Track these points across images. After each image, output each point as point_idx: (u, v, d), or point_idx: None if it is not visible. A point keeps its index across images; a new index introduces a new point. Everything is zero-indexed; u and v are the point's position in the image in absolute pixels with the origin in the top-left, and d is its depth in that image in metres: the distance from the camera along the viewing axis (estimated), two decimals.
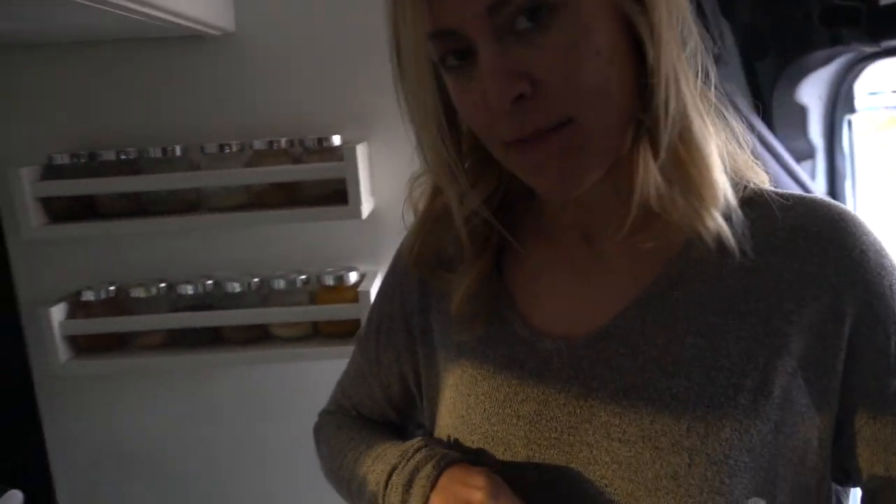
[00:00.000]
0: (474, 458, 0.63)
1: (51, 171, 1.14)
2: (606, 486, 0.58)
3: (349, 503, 0.74)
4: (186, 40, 1.14)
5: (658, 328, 0.59)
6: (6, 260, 1.22)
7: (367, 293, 1.13)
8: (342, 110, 1.14)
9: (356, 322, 1.14)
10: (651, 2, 0.53)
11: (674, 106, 0.54)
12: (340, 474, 0.74)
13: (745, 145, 0.62)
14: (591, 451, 0.58)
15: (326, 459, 0.78)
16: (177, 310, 1.18)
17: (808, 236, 0.58)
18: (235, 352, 1.17)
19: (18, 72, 1.17)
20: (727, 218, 0.56)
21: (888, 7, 1.74)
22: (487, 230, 0.65)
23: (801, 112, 2.31)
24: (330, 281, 1.16)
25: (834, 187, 2.35)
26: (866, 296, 0.57)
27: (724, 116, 0.62)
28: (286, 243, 1.21)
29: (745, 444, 0.56)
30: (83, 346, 1.20)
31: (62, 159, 1.14)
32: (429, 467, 0.61)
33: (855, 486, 0.63)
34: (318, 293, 1.17)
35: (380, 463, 0.66)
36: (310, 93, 1.16)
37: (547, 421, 0.60)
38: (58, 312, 1.16)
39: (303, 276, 1.17)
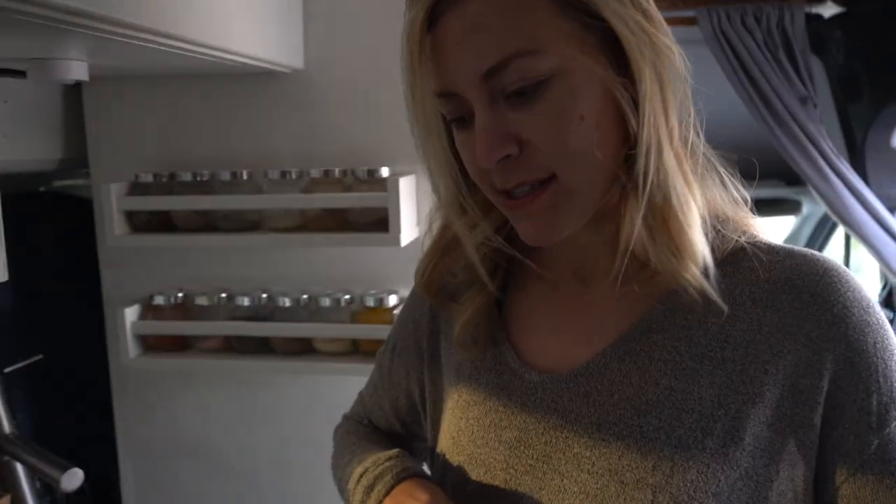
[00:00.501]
0: (457, 478, 0.69)
1: (136, 188, 1.29)
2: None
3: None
4: (259, 76, 1.27)
5: (635, 368, 0.62)
6: (96, 264, 1.38)
7: None
8: (393, 145, 1.23)
9: None
10: (638, 74, 0.57)
11: (653, 173, 0.58)
12: (337, 474, 0.82)
13: (739, 202, 0.66)
14: (562, 481, 0.62)
15: (332, 459, 0.86)
16: (234, 318, 1.30)
17: (792, 289, 0.60)
18: (282, 361, 1.28)
19: (112, 101, 1.33)
20: (706, 274, 0.60)
21: None
22: (497, 260, 0.71)
23: None
24: (371, 302, 1.24)
25: None
26: (847, 352, 0.58)
27: (719, 173, 0.66)
28: (334, 265, 1.31)
29: (711, 488, 0.58)
30: (151, 345, 1.33)
31: (146, 178, 1.28)
32: (389, 476, 0.68)
33: None
34: (359, 313, 1.26)
35: (358, 465, 0.73)
36: (365, 127, 1.26)
37: (525, 448, 0.65)
38: (131, 313, 1.30)
39: (347, 296, 1.26)
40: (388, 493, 0.67)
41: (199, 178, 1.27)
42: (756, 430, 0.58)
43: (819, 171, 2.11)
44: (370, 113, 1.26)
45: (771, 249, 0.63)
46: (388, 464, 0.70)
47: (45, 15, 0.67)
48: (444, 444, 0.72)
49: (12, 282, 1.42)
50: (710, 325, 0.61)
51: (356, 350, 1.28)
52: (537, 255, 0.72)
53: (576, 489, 0.61)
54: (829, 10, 2.21)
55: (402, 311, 0.84)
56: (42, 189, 1.50)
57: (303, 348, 1.29)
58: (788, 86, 2.13)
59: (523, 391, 0.67)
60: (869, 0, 2.13)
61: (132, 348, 1.30)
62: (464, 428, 0.69)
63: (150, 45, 0.87)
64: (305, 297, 1.28)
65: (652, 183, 0.58)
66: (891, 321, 2.05)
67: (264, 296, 1.29)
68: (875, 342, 0.59)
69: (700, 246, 0.60)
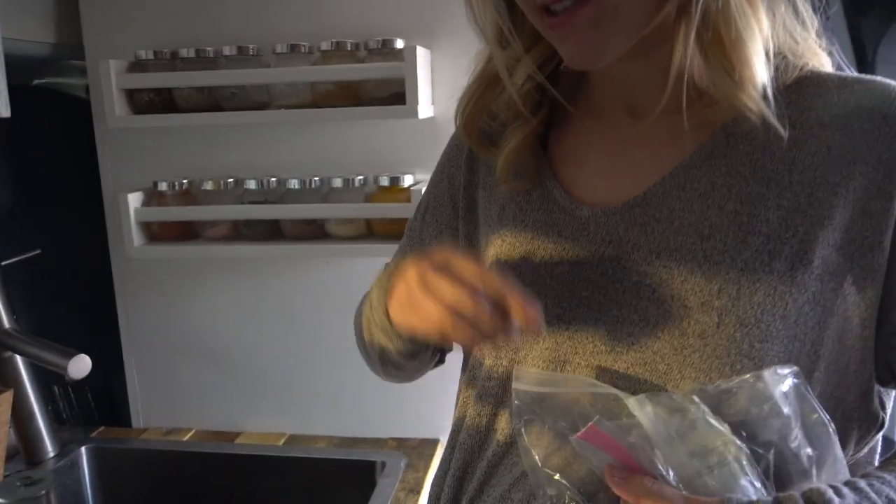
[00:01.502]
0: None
1: (136, 66, 1.23)
2: (633, 343, 0.59)
3: (364, 347, 0.78)
4: None
5: (696, 195, 0.59)
6: (93, 149, 1.32)
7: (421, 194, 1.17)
8: (408, 16, 1.18)
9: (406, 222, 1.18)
10: None
11: None
12: (357, 321, 0.79)
13: (809, 28, 0.62)
14: (621, 310, 0.60)
15: (355, 322, 0.82)
16: (242, 203, 1.25)
17: (862, 113, 0.57)
18: (293, 245, 1.24)
19: None
20: (766, 97, 0.56)
21: None
22: (540, 96, 0.67)
23: None
24: (385, 182, 1.20)
25: None
26: None
27: (794, 3, 0.61)
28: (348, 147, 1.26)
29: (779, 311, 0.56)
30: (156, 233, 1.29)
31: (146, 55, 1.22)
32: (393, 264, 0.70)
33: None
34: (373, 194, 1.22)
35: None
36: None
37: (579, 281, 0.62)
38: (134, 200, 1.25)
39: (360, 177, 1.22)
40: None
41: (202, 55, 1.21)
42: (825, 253, 0.56)
43: None
44: None
45: (839, 76, 0.61)
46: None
47: None
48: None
49: (8, 176, 1.37)
50: (776, 149, 0.58)
51: (370, 233, 1.24)
52: (585, 90, 0.69)
53: (636, 317, 0.59)
54: None
55: (434, 171, 0.81)
56: (35, 82, 1.43)
57: (314, 233, 1.24)
58: None
59: (574, 226, 0.64)
60: None
61: (136, 237, 1.25)
62: (510, 269, 0.66)
63: None
64: (317, 178, 1.23)
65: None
66: None
67: (273, 179, 1.24)
68: None
69: (759, 66, 0.56)
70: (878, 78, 0.60)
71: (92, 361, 1.13)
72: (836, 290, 0.57)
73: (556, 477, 0.59)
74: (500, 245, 0.68)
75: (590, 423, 0.55)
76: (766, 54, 0.57)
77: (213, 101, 1.23)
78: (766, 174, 0.58)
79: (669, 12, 0.57)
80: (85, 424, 1.47)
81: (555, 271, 0.64)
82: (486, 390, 0.67)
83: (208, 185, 1.25)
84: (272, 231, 1.25)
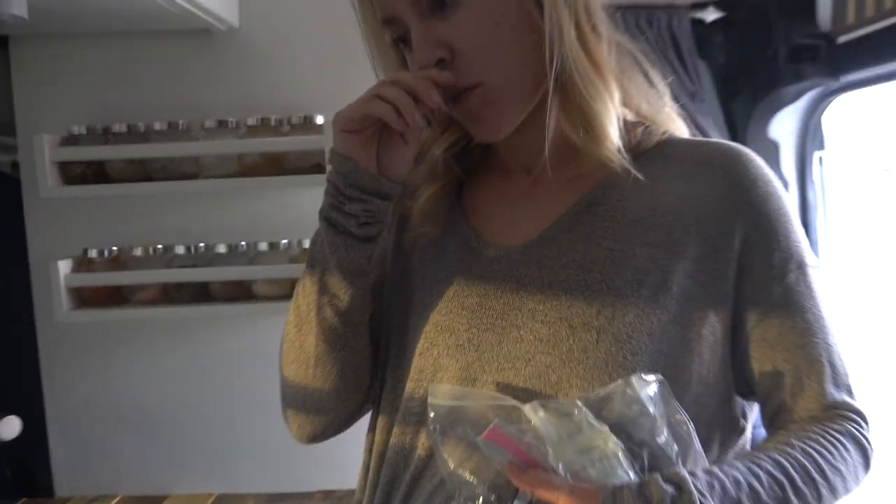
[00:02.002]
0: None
1: (69, 140, 1.30)
2: (529, 360, 0.70)
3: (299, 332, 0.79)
4: (195, 34, 1.32)
5: (579, 236, 0.72)
6: (21, 219, 1.37)
7: None
8: (325, 93, 1.30)
9: None
10: None
11: (557, 55, 0.67)
12: (296, 311, 0.80)
13: (664, 96, 0.77)
14: (519, 332, 0.71)
15: (288, 321, 0.82)
16: (170, 268, 1.32)
17: (710, 168, 0.72)
18: (222, 306, 1.31)
19: (42, 57, 1.35)
20: (622, 151, 0.70)
21: (846, 44, 1.95)
22: (452, 163, 0.80)
23: (774, 147, 2.50)
24: (308, 244, 1.29)
25: (806, 219, 2.51)
26: (754, 217, 0.70)
27: (641, 66, 0.77)
28: (273, 213, 1.36)
29: (646, 329, 0.68)
30: (86, 299, 1.33)
31: (79, 130, 1.30)
32: None
33: (755, 398, 0.74)
34: (299, 256, 1.31)
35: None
36: (298, 80, 1.34)
37: (485, 310, 0.73)
38: (65, 266, 1.30)
39: (285, 241, 1.31)
40: None
41: (134, 129, 1.30)
42: (681, 281, 0.69)
43: None
44: (302, 66, 1.35)
45: (692, 140, 0.76)
46: None
47: None
48: (412, 319, 0.78)
49: None
50: (641, 198, 0.71)
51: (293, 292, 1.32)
52: (491, 153, 0.82)
53: (531, 337, 0.70)
54: (710, 16, 2.48)
55: None
56: None
57: (243, 294, 1.32)
58: (679, 82, 2.37)
59: (483, 264, 0.75)
60: (744, 8, 2.41)
61: (66, 302, 1.29)
62: (428, 302, 0.76)
63: None
64: (243, 243, 1.32)
65: (557, 64, 0.68)
66: None
67: (202, 245, 1.32)
68: (776, 209, 0.71)
69: (612, 126, 0.70)
70: (722, 141, 0.76)
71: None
72: (694, 312, 0.69)
73: (470, 479, 0.69)
74: (422, 279, 0.78)
75: (491, 425, 0.65)
76: (621, 117, 0.71)
77: (144, 172, 1.31)
78: (634, 218, 0.71)
79: (546, 90, 0.70)
80: (2, 498, 1.45)
81: (465, 302, 0.74)
82: (409, 411, 0.75)
83: (138, 252, 1.32)
84: (201, 294, 1.32)
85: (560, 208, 0.74)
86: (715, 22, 2.48)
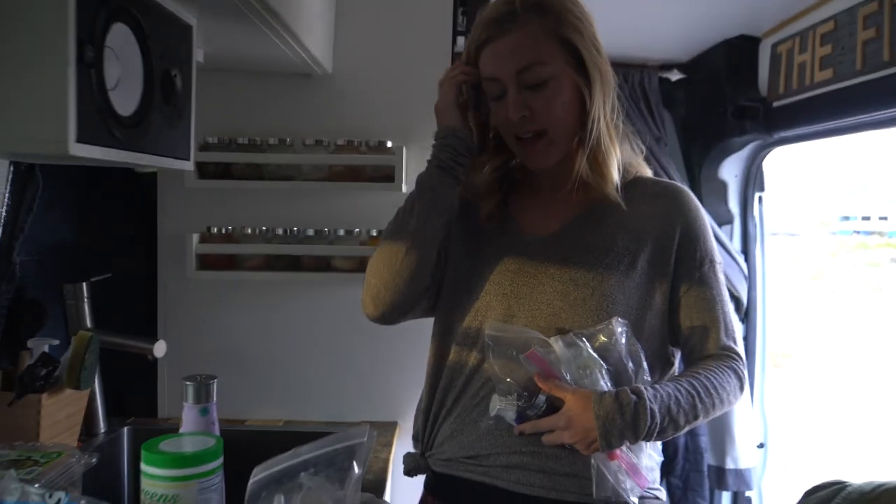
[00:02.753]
0: None
1: (204, 147, 1.78)
2: (549, 305, 1.16)
3: (405, 233, 1.18)
4: (301, 76, 1.83)
5: (585, 231, 1.19)
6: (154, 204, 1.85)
7: None
8: (394, 124, 1.83)
9: None
10: (593, 80, 1.14)
11: (595, 132, 1.15)
12: (394, 236, 1.21)
13: (639, 153, 1.26)
14: (543, 288, 1.16)
15: (387, 233, 1.24)
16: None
17: (663, 197, 1.21)
18: (309, 274, 1.79)
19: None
20: (617, 189, 1.17)
21: (778, 108, 2.50)
22: (502, 179, 1.26)
23: (723, 186, 3.06)
24: (374, 233, 1.79)
25: (746, 247, 3.05)
26: (686, 228, 1.19)
27: (629, 139, 1.25)
28: (350, 209, 1.86)
29: (621, 290, 1.15)
30: (207, 264, 1.80)
31: (212, 140, 1.78)
32: None
33: (678, 345, 1.22)
34: (367, 241, 1.81)
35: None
36: (374, 112, 1.86)
37: (522, 274, 1.18)
38: (195, 239, 1.78)
39: (357, 229, 1.81)
40: None
41: (252, 142, 1.79)
42: (643, 264, 1.17)
43: None
44: (378, 103, 1.86)
45: (652, 179, 1.25)
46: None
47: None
48: (468, 278, 1.21)
49: (87, 223, 1.84)
50: (622, 213, 1.19)
51: (363, 268, 1.81)
52: (531, 175, 1.27)
53: (551, 290, 1.16)
54: (675, 76, 3.03)
55: None
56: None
57: (325, 266, 1.81)
58: (647, 129, 2.90)
59: (522, 245, 1.20)
60: (702, 73, 2.94)
61: (194, 264, 1.77)
62: (484, 266, 1.20)
63: (271, 34, 1.41)
64: (326, 229, 1.81)
65: (594, 138, 1.16)
66: None
67: (295, 228, 1.81)
68: (701, 225, 1.20)
69: (616, 174, 1.18)
70: (671, 181, 1.26)
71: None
72: (650, 283, 1.17)
73: (509, 380, 1.10)
74: (478, 253, 1.22)
75: (532, 348, 1.08)
76: (619, 169, 1.18)
77: (257, 173, 1.80)
78: (617, 224, 1.18)
79: (577, 142, 1.18)
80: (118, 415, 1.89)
81: (509, 267, 1.19)
82: (466, 335, 1.19)
83: (248, 231, 1.80)
84: (294, 265, 1.81)
85: (572, 214, 1.22)
86: (678, 81, 3.05)
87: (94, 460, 1.26)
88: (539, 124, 1.13)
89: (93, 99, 0.91)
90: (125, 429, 1.81)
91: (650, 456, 1.14)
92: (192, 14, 1.26)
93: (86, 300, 1.67)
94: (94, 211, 1.84)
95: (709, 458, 2.92)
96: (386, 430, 1.86)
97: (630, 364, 1.11)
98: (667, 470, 2.89)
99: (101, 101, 0.93)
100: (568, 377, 1.07)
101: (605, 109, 1.16)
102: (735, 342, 1.22)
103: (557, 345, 1.07)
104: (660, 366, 1.20)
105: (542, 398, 1.06)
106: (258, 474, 0.85)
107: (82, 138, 0.88)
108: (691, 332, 1.19)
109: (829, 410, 9.31)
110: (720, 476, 2.93)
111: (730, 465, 2.94)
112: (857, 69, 2.04)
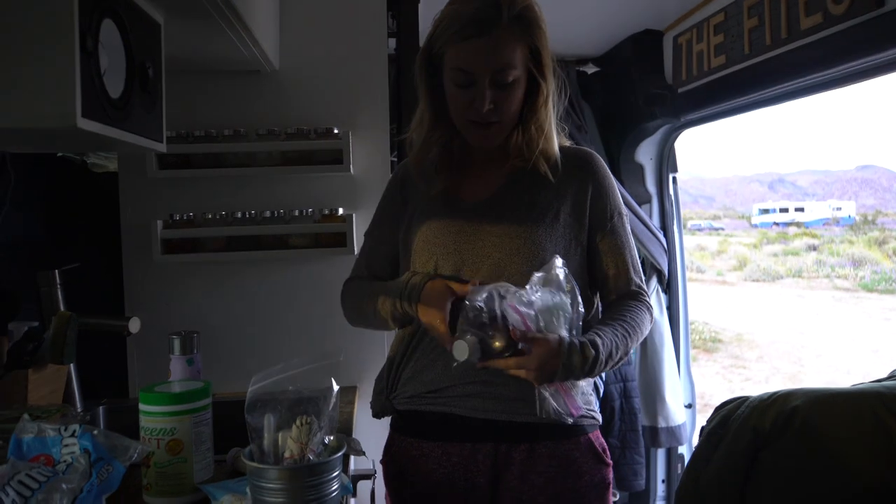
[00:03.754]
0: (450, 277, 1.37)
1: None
2: (489, 256, 1.35)
3: (364, 322, 1.43)
4: (250, 73, 1.99)
5: (515, 193, 1.38)
6: (116, 194, 1.98)
7: (350, 216, 1.96)
8: (339, 112, 2.01)
9: (342, 235, 1.96)
10: (548, 81, 1.32)
11: (547, 124, 1.35)
12: (360, 305, 1.41)
13: (563, 136, 1.45)
14: (484, 244, 1.35)
15: (349, 300, 1.46)
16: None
17: (578, 160, 1.41)
18: (267, 251, 1.96)
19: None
20: (552, 160, 1.37)
21: (683, 93, 2.79)
22: (448, 160, 1.44)
23: (640, 169, 3.35)
24: (326, 212, 1.97)
25: (664, 223, 3.34)
26: (597, 185, 1.39)
27: (563, 127, 1.45)
28: (303, 192, 2.03)
29: (549, 238, 1.35)
30: (171, 248, 1.94)
31: (171, 133, 1.93)
32: (417, 278, 1.33)
33: (597, 286, 1.44)
34: (320, 219, 1.98)
35: (392, 285, 1.35)
36: (322, 104, 2.03)
37: (465, 234, 1.36)
38: (159, 225, 1.91)
39: (310, 209, 1.98)
40: (422, 288, 1.29)
41: (209, 133, 1.94)
42: (564, 216, 1.37)
43: None
44: (324, 94, 2.04)
45: (569, 147, 1.44)
46: (417, 276, 1.33)
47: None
48: (416, 246, 1.39)
49: (50, 215, 1.95)
50: (545, 175, 1.38)
51: (318, 243, 1.99)
52: (464, 153, 1.45)
53: (490, 245, 1.35)
54: (591, 70, 3.32)
55: (381, 202, 1.51)
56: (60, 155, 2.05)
57: (282, 244, 1.97)
58: (569, 119, 3.16)
59: (462, 211, 1.39)
60: (614, 65, 3.23)
61: (159, 248, 1.90)
62: (429, 232, 1.39)
63: (231, 33, 1.58)
64: (281, 210, 1.98)
65: (547, 126, 1.35)
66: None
67: (253, 211, 1.97)
68: (609, 182, 1.42)
69: (556, 154, 1.38)
70: (585, 147, 1.47)
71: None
72: (571, 233, 1.38)
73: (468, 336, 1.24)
74: (424, 219, 1.40)
75: (511, 303, 1.21)
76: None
77: (215, 162, 1.95)
78: (541, 184, 1.38)
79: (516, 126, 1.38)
80: (90, 398, 2.00)
81: (451, 229, 1.37)
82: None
83: (208, 215, 1.95)
84: (253, 245, 1.97)
85: (502, 181, 1.40)
86: (594, 74, 3.33)
87: (88, 417, 1.39)
88: (499, 116, 1.30)
89: (92, 82, 1.07)
90: (101, 408, 1.93)
91: (587, 381, 1.34)
92: (161, 14, 1.42)
93: (59, 286, 1.79)
94: (57, 207, 1.96)
95: (643, 419, 3.19)
96: (347, 392, 2.04)
97: (569, 299, 1.29)
98: (605, 431, 3.15)
99: (98, 83, 1.09)
100: (541, 323, 1.23)
101: (550, 98, 1.35)
102: (642, 279, 1.45)
103: (536, 295, 1.23)
104: (586, 306, 1.42)
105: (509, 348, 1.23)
106: (256, 384, 1.02)
107: (86, 114, 1.04)
108: (608, 275, 1.41)
109: (763, 387, 9.90)
110: (654, 434, 3.21)
111: (662, 423, 3.22)
112: (745, 53, 2.34)
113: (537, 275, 1.24)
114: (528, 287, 1.21)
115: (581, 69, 3.29)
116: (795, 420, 1.38)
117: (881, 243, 24.31)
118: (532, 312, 1.20)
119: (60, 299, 1.80)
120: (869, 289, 17.23)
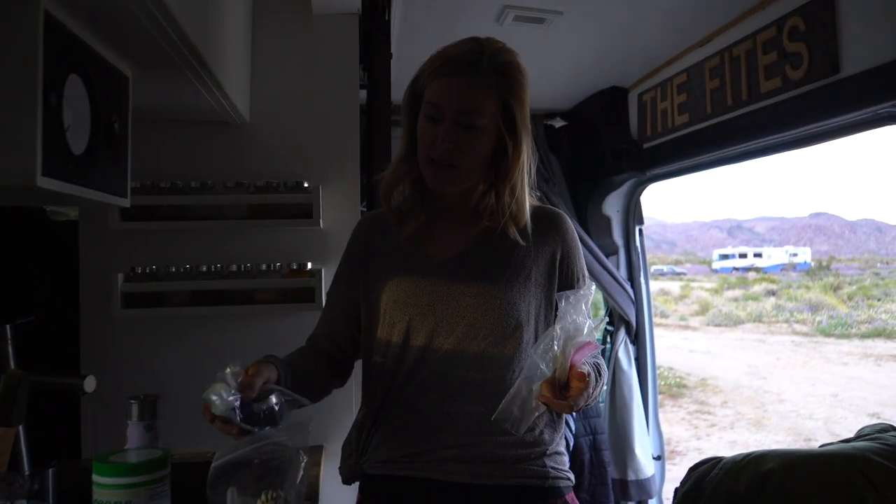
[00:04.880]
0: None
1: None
2: (464, 316, 1.33)
3: None
4: (219, 124, 1.97)
5: (485, 252, 1.38)
6: (76, 243, 1.92)
7: (319, 271, 1.92)
8: (309, 165, 1.99)
9: (311, 290, 1.92)
10: (519, 138, 1.32)
11: (519, 183, 1.34)
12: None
13: (535, 197, 1.43)
14: (458, 304, 1.33)
15: None
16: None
17: (548, 222, 1.41)
18: (232, 307, 1.90)
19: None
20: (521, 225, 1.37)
21: (648, 149, 2.84)
22: (422, 203, 1.43)
23: (607, 221, 3.38)
24: (295, 266, 1.94)
25: (631, 275, 3.37)
26: (566, 249, 1.40)
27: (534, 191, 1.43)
28: (271, 245, 1.99)
29: (522, 298, 1.34)
30: (133, 302, 1.88)
31: (136, 185, 1.88)
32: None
33: None
34: (288, 274, 1.94)
35: None
36: (290, 157, 2.01)
37: (438, 294, 1.34)
38: (120, 278, 1.85)
39: (277, 264, 1.94)
40: None
41: (175, 185, 1.90)
42: (536, 276, 1.38)
43: None
44: (293, 147, 2.02)
45: (539, 205, 1.43)
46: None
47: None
48: (386, 304, 1.36)
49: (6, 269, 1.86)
50: (514, 236, 1.38)
51: (285, 298, 1.95)
52: (432, 206, 1.44)
53: (465, 305, 1.34)
54: (558, 124, 3.38)
55: (341, 262, 1.49)
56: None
57: (249, 300, 1.92)
58: (538, 171, 3.20)
59: (433, 266, 1.37)
60: (581, 121, 3.30)
61: (120, 302, 1.84)
62: (400, 290, 1.36)
63: (200, 86, 1.56)
64: (248, 264, 1.93)
65: (516, 185, 1.34)
66: (609, 333, 3.23)
67: (219, 265, 1.92)
68: (576, 246, 1.43)
69: (527, 216, 1.37)
70: (552, 207, 1.46)
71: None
72: (541, 292, 1.38)
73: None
74: (392, 278, 1.37)
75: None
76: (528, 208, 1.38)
77: (181, 214, 1.91)
78: (511, 245, 1.38)
79: (485, 183, 1.37)
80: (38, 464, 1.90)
81: (425, 289, 1.35)
82: (393, 356, 1.33)
83: (171, 269, 1.90)
84: (218, 300, 1.91)
85: (472, 236, 1.39)
86: (562, 128, 3.38)
87: (36, 486, 1.31)
88: (455, 159, 1.30)
89: (54, 138, 1.03)
90: (50, 470, 1.82)
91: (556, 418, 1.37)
92: (129, 66, 1.40)
93: (9, 341, 1.70)
94: (11, 256, 1.89)
95: (612, 472, 3.16)
96: (314, 452, 1.97)
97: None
98: (575, 485, 3.11)
99: (60, 140, 1.06)
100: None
101: (523, 169, 1.35)
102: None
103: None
104: None
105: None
106: (220, 458, 0.97)
107: (46, 172, 1.00)
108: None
109: (728, 433, 9.95)
110: (624, 488, 3.18)
111: (631, 476, 3.20)
112: (707, 113, 2.41)
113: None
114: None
115: (549, 123, 3.34)
116: (770, 483, 1.38)
117: (836, 288, 24.99)
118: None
119: (11, 356, 1.71)
120: (826, 333, 17.61)
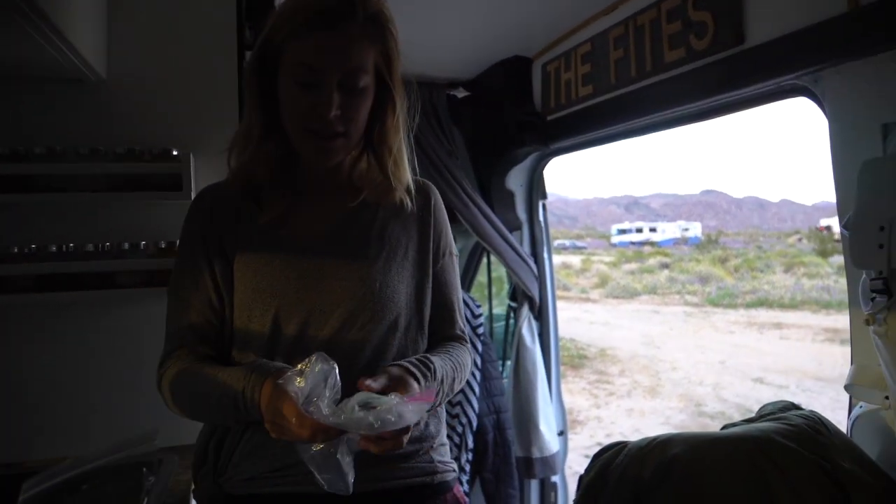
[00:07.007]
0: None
1: None
2: (338, 304, 1.17)
3: (206, 416, 1.19)
4: (70, 82, 1.70)
5: (356, 230, 1.23)
6: None
7: None
8: (182, 132, 1.76)
9: None
10: (398, 98, 1.19)
11: (397, 143, 1.21)
12: (197, 399, 1.14)
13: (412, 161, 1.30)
14: (332, 286, 1.18)
15: (179, 395, 1.16)
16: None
17: (419, 193, 1.28)
18: (89, 293, 1.66)
19: None
20: (405, 186, 1.24)
21: (552, 121, 2.74)
22: (286, 181, 1.24)
23: (511, 195, 3.28)
24: (163, 245, 1.71)
25: (535, 250, 3.30)
26: (437, 218, 1.29)
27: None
28: (135, 222, 1.75)
29: (402, 278, 1.22)
30: None
31: None
32: (249, 392, 1.06)
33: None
34: (156, 253, 1.72)
35: (232, 379, 1.08)
36: (159, 121, 1.77)
37: (307, 277, 1.18)
38: None
39: (143, 242, 1.71)
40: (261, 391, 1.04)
41: (15, 151, 1.63)
42: (412, 253, 1.25)
43: (464, 203, 3.00)
44: (162, 112, 1.78)
45: (414, 182, 1.30)
46: (255, 374, 1.07)
47: None
48: (244, 293, 1.17)
49: None
50: (392, 209, 1.26)
51: (153, 281, 1.72)
52: (294, 182, 1.26)
53: (338, 288, 1.18)
54: (461, 94, 3.24)
55: (182, 245, 1.25)
56: None
57: (107, 283, 1.68)
58: (440, 143, 3.06)
59: (299, 249, 1.19)
60: (484, 91, 3.18)
61: None
62: (262, 278, 1.17)
63: (37, 35, 1.31)
64: (108, 243, 1.69)
65: (396, 147, 1.22)
66: (513, 310, 3.11)
67: (72, 245, 1.67)
68: (445, 217, 1.32)
69: (408, 178, 1.25)
70: (421, 178, 1.32)
71: None
72: (419, 266, 1.25)
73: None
74: (253, 261, 1.19)
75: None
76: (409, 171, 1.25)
77: (24, 186, 1.64)
78: (385, 219, 1.24)
79: (359, 150, 1.23)
80: None
81: (291, 275, 1.18)
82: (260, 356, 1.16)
83: (14, 250, 1.63)
84: (72, 284, 1.66)
85: (341, 211, 1.24)
86: (464, 98, 3.25)
87: None
88: (345, 127, 1.14)
89: None
90: None
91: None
92: None
93: None
94: None
95: (516, 451, 3.12)
96: (186, 452, 1.77)
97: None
98: (479, 465, 3.05)
99: None
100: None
101: (400, 126, 1.22)
102: (463, 324, 1.35)
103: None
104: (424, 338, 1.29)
105: None
106: (28, 491, 0.78)
107: None
108: (433, 314, 1.29)
109: (626, 401, 10.33)
110: (528, 465, 3.14)
111: (536, 454, 3.16)
112: (611, 84, 2.33)
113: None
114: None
115: (451, 93, 3.20)
116: (675, 469, 1.33)
117: (723, 261, 26.51)
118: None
119: None
120: (715, 303, 18.66)
